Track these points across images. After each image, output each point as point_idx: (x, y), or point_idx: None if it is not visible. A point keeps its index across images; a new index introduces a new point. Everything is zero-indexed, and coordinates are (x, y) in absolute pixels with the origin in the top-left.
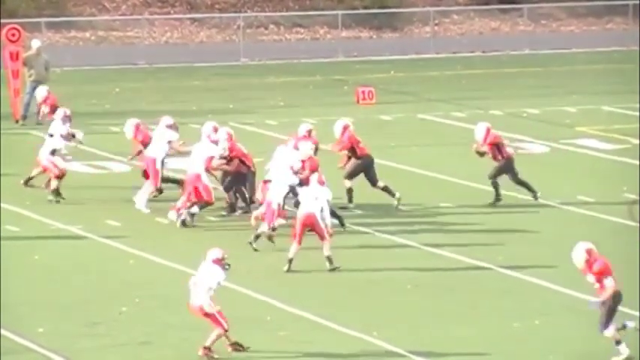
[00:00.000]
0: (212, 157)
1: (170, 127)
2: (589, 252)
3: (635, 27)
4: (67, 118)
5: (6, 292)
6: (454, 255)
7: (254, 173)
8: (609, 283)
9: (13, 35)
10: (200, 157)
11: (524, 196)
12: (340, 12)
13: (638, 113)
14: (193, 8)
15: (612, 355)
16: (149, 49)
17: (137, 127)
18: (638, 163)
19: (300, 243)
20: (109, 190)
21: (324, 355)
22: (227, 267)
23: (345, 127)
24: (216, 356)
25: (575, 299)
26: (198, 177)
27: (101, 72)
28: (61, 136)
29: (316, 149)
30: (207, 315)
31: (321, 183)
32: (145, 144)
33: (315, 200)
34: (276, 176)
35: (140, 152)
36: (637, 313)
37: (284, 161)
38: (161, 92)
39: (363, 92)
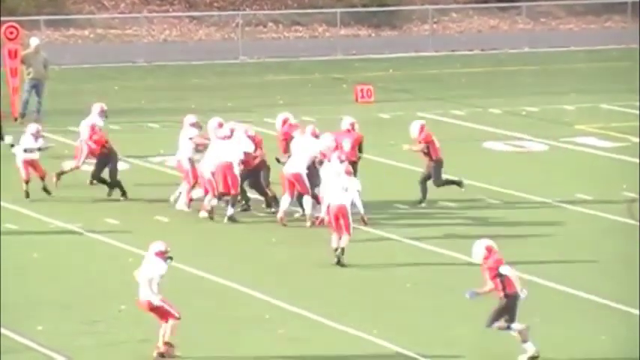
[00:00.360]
0: (248, 153)
1: (193, 125)
2: (489, 249)
3: (633, 25)
4: (103, 113)
5: (5, 291)
6: (454, 253)
7: (269, 167)
8: (506, 270)
9: (12, 33)
10: (234, 149)
11: (524, 194)
12: (339, 10)
13: (636, 111)
14: (192, 6)
15: (520, 352)
16: (148, 47)
17: (92, 128)
18: (637, 161)
19: (341, 236)
20: (108, 188)
21: (323, 353)
22: (169, 260)
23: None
24: (177, 353)
25: (575, 297)
26: (229, 166)
27: (100, 70)
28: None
29: (360, 147)
30: (154, 309)
31: (349, 173)
32: (101, 144)
33: (345, 192)
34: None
35: (93, 153)
36: (637, 312)
37: (305, 152)
38: (160, 90)
39: (362, 90)
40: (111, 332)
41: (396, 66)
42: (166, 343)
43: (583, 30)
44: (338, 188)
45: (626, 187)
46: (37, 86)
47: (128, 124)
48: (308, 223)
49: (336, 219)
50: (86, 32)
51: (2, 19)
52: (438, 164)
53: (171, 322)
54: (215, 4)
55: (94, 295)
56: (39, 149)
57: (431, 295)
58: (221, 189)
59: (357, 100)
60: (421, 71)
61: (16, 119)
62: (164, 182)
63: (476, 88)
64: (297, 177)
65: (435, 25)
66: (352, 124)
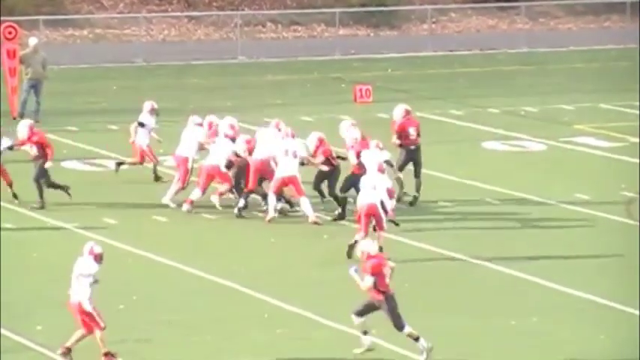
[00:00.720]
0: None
1: (200, 125)
2: (364, 254)
3: (632, 25)
4: (153, 111)
5: (4, 290)
6: (451, 253)
7: (339, 170)
8: (369, 282)
9: (10, 33)
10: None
11: (523, 194)
12: (338, 10)
13: (636, 111)
14: (191, 6)
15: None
16: (146, 46)
17: (31, 128)
18: (636, 161)
19: (367, 233)
20: (106, 188)
21: (321, 352)
22: (101, 261)
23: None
24: None
25: (572, 297)
26: (264, 163)
27: (99, 70)
28: None
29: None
30: (83, 313)
31: (381, 171)
32: (41, 144)
33: (374, 190)
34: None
35: (39, 156)
36: (636, 312)
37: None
38: (159, 90)
39: (361, 90)
40: (109, 332)
41: (395, 66)
42: (107, 354)
43: (582, 30)
44: (367, 187)
45: (625, 187)
46: (35, 86)
47: (127, 124)
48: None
49: (367, 217)
50: (85, 32)
51: (1, 18)
52: (337, 171)
53: (98, 333)
54: (214, 4)
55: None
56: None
57: (429, 295)
58: (248, 187)
59: (355, 99)
60: (420, 71)
61: (14, 119)
62: (163, 181)
63: (474, 88)
64: (293, 179)
65: (433, 25)
66: (407, 111)
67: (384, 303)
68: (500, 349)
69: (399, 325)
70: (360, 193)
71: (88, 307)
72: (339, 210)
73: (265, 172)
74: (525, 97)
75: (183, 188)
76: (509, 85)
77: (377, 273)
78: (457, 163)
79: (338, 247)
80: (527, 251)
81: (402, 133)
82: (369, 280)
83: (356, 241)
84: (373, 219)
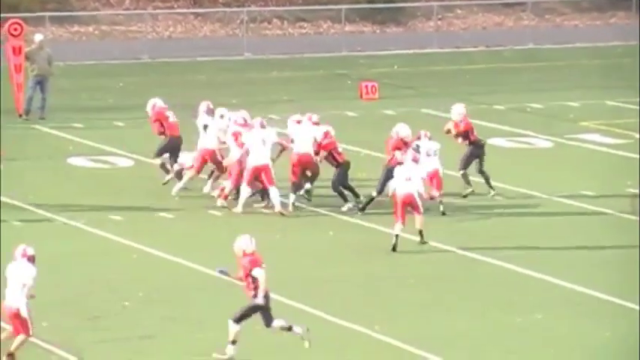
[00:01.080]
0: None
1: (222, 117)
2: (239, 251)
3: (638, 22)
4: (210, 111)
5: None
6: (456, 249)
7: (348, 165)
8: (259, 273)
9: (16, 30)
10: (309, 139)
11: (528, 190)
12: (344, 7)
13: None
14: (197, 3)
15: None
16: (152, 43)
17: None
18: None
19: (404, 222)
20: (112, 184)
21: (326, 349)
22: (34, 262)
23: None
24: None
25: (577, 293)
26: (309, 156)
27: (104, 66)
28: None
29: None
30: (18, 319)
31: (416, 161)
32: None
33: (408, 181)
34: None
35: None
36: (637, 307)
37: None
38: (164, 86)
39: (367, 87)
40: (114, 328)
41: (401, 62)
42: (10, 355)
43: (588, 27)
44: (401, 178)
45: (630, 183)
46: (41, 83)
47: (132, 120)
48: (285, 211)
49: (403, 207)
50: (91, 29)
51: (6, 15)
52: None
53: (21, 337)
54: (220, 1)
55: (98, 292)
56: None
57: (433, 291)
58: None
59: (361, 96)
60: (426, 68)
61: (20, 116)
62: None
63: (480, 85)
64: (265, 168)
65: (439, 22)
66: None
67: (252, 299)
68: (504, 345)
69: (236, 320)
70: (394, 184)
71: (25, 314)
72: (352, 203)
73: (308, 164)
74: (531, 94)
75: (219, 177)
76: (515, 81)
77: (257, 268)
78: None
79: (344, 243)
80: (532, 247)
81: (470, 130)
82: (260, 273)
83: (397, 235)
84: (410, 208)
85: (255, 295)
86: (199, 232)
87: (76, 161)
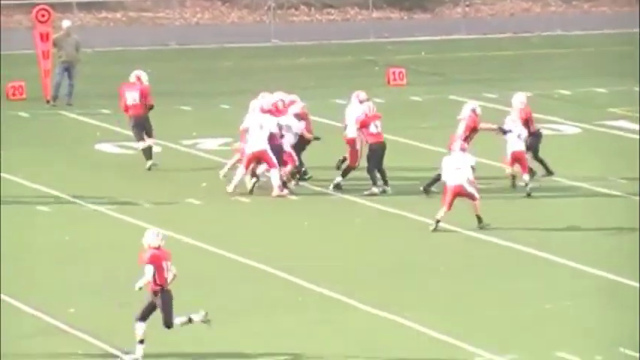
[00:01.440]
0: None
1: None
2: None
3: None
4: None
5: (38, 273)
6: (486, 237)
7: (384, 147)
8: (150, 271)
9: (43, 16)
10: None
11: (557, 177)
12: None
13: None
14: None
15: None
16: (180, 30)
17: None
18: None
19: (449, 208)
20: (140, 171)
21: (355, 336)
22: None
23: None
24: None
25: (606, 281)
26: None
27: (132, 53)
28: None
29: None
30: None
31: (464, 150)
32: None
33: (458, 170)
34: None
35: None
36: None
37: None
38: (192, 73)
39: (394, 73)
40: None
41: (428, 49)
42: None
43: (616, 13)
44: (451, 166)
45: None
46: (68, 69)
47: (160, 106)
48: (283, 193)
49: (453, 197)
50: (118, 15)
51: (34, 1)
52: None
53: None
54: None
55: (126, 277)
56: None
57: (464, 279)
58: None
59: (389, 82)
60: (453, 54)
61: (48, 102)
62: (196, 165)
63: (508, 71)
64: (263, 153)
65: (467, 8)
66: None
67: (158, 297)
68: (533, 333)
69: (168, 322)
70: (444, 173)
71: None
72: (379, 188)
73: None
74: (559, 81)
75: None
76: (543, 68)
77: (155, 263)
78: (490, 146)
79: (371, 231)
80: (561, 235)
81: (530, 120)
82: (149, 269)
83: (438, 221)
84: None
85: (157, 290)
86: (227, 219)
87: (103, 147)
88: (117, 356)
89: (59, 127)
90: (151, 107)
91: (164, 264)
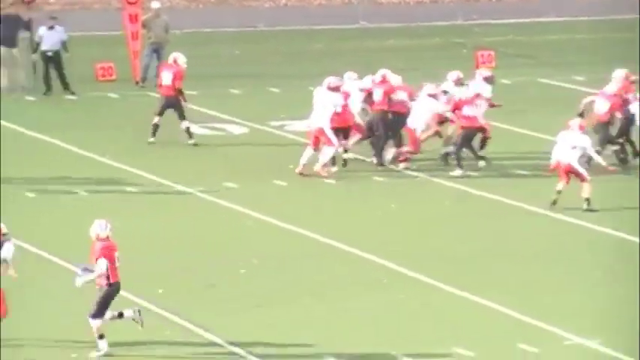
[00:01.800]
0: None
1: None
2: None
3: None
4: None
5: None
6: (577, 221)
7: None
8: (103, 264)
9: None
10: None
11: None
12: None
13: None
14: None
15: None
16: (269, 11)
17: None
18: None
19: (567, 182)
20: (226, 152)
21: (440, 317)
22: (8, 238)
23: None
24: None
25: None
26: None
27: (220, 34)
28: None
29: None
30: None
31: (582, 129)
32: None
33: (573, 149)
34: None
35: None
36: None
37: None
38: (280, 55)
39: (482, 55)
40: (229, 295)
41: (517, 31)
42: None
43: None
44: (565, 144)
45: None
46: (157, 50)
47: (248, 88)
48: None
49: (565, 174)
50: None
51: None
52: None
53: None
54: None
55: (214, 259)
56: None
57: (551, 265)
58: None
59: (477, 65)
60: (542, 37)
61: (137, 83)
62: (284, 146)
63: (598, 55)
64: (321, 131)
65: None
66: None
67: (105, 288)
68: (616, 319)
69: (97, 314)
70: (558, 148)
71: None
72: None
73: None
74: None
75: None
76: (634, 52)
77: (108, 256)
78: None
79: (458, 214)
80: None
81: (625, 101)
82: (102, 263)
83: (559, 191)
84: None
85: (106, 284)
86: (314, 200)
87: (190, 129)
88: (200, 335)
89: (148, 109)
90: (180, 91)
91: (115, 255)
